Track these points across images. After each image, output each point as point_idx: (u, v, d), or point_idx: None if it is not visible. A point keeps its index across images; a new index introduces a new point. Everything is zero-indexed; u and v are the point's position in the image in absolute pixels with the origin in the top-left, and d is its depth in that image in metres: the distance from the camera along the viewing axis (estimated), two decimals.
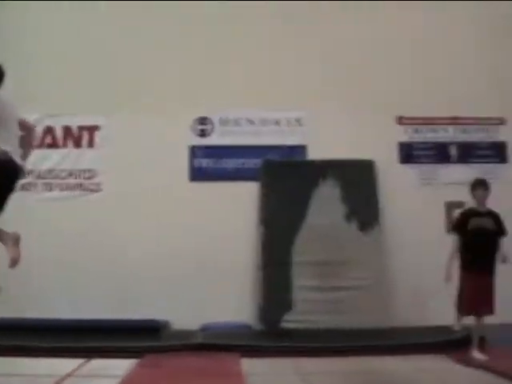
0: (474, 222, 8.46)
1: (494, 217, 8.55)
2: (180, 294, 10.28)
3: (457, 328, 8.57)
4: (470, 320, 8.41)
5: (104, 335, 8.85)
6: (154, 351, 8.13)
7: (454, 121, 11.43)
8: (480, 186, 8.68)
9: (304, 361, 7.96)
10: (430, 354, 8.36)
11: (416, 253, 10.72)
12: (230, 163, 10.91)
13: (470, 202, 10.15)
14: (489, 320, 8.98)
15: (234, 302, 10.39)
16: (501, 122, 11.54)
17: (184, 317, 10.02)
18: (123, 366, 7.28)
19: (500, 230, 8.49)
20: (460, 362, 7.89)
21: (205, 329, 9.76)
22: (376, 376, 7.25)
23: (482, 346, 8.25)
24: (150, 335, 9.06)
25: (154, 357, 7.83)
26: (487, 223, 8.45)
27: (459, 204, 10.88)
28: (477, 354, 7.99)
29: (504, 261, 8.29)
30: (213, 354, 8.08)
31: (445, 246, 10.63)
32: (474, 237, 8.39)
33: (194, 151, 10.91)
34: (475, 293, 8.13)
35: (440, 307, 10.42)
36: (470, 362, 7.79)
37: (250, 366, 7.61)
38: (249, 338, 9.23)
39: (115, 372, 7.00)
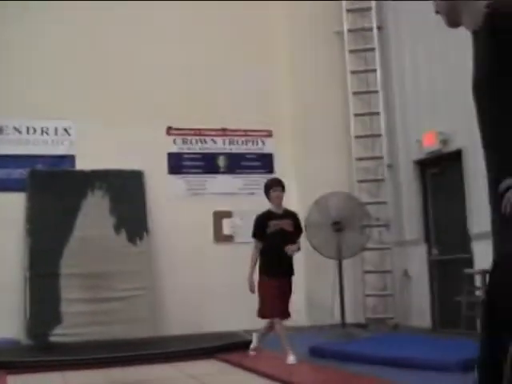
0: (272, 225, 8.09)
1: (291, 217, 8.30)
2: None
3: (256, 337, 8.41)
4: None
5: None
6: None
7: (223, 132, 11.66)
8: (275, 186, 8.34)
9: (73, 374, 7.78)
10: (202, 360, 8.46)
11: (186, 262, 10.88)
12: None
13: (236, 211, 10.51)
14: (257, 325, 9.28)
15: (0, 316, 10.02)
16: (268, 134, 11.90)
17: None
18: None
19: (298, 230, 8.29)
20: (231, 366, 8.04)
21: None
22: None
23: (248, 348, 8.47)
24: None
25: None
26: (285, 225, 8.12)
27: (227, 213, 11.18)
28: (290, 358, 7.69)
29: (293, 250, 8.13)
30: None
31: (214, 255, 10.96)
32: (273, 240, 8.02)
33: None
34: (277, 297, 7.89)
35: (210, 315, 10.69)
36: (239, 365, 7.95)
37: (15, 383, 7.37)
38: (15, 353, 8.89)
39: None
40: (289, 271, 8.15)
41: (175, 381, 7.45)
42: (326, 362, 7.88)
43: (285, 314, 8.06)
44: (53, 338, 9.71)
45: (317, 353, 8.40)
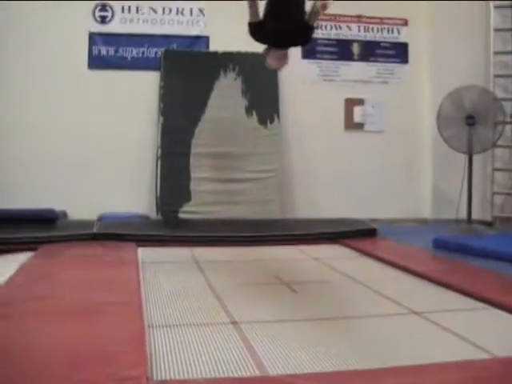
0: None
1: None
2: (78, 183, 10.22)
3: None
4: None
5: None
6: (49, 241, 7.91)
7: (358, 19, 11.43)
8: None
9: (200, 249, 8.05)
10: (326, 244, 8.67)
11: (314, 148, 10.91)
12: (131, 52, 10.66)
13: (368, 99, 10.37)
14: (382, 215, 9.30)
15: (132, 193, 10.42)
16: (404, 23, 11.60)
17: (82, 207, 9.99)
18: (19, 257, 7.15)
19: None
20: (355, 251, 8.21)
21: (102, 219, 9.69)
22: (269, 262, 7.42)
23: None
24: (46, 225, 8.82)
25: (50, 247, 7.69)
26: None
27: (359, 101, 11.07)
28: None
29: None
30: (109, 243, 8.01)
31: (343, 142, 10.96)
32: None
33: (94, 38, 10.56)
34: None
35: (335, 201, 10.76)
36: (360, 250, 8.09)
37: (146, 254, 7.66)
38: (145, 227, 9.19)
39: (11, 264, 6.80)
40: None
41: (298, 262, 7.59)
42: (449, 254, 7.91)
43: None
44: (181, 215, 9.96)
45: (440, 245, 8.41)
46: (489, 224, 10.94)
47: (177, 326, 4.57)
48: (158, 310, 4.99)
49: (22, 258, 7.06)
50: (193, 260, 7.42)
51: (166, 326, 4.55)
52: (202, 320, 4.73)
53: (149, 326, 4.51)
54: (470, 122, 10.05)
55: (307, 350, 4.05)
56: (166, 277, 6.41)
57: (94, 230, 8.49)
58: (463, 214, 10.23)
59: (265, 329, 4.52)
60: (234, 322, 4.67)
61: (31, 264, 6.73)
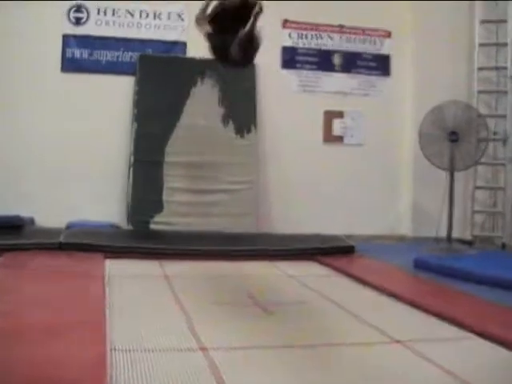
0: None
1: None
2: (47, 190, 9.90)
3: None
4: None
5: None
6: (13, 249, 7.61)
7: (340, 29, 11.22)
8: None
9: (169, 263, 7.80)
10: (302, 261, 8.47)
11: (292, 160, 10.70)
12: (106, 55, 10.37)
13: (348, 111, 10.15)
14: (359, 231, 9.08)
15: (103, 201, 10.09)
16: (387, 34, 11.41)
17: (51, 214, 9.66)
18: None
19: None
20: (331, 269, 8.01)
21: (70, 227, 9.38)
22: (242, 279, 7.20)
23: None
24: (12, 232, 8.54)
25: (13, 256, 7.36)
26: None
27: (338, 113, 10.88)
28: None
29: None
30: (76, 253, 7.72)
31: (322, 155, 10.76)
32: None
33: (67, 40, 10.25)
34: None
35: (311, 215, 10.55)
36: (338, 269, 7.89)
37: (113, 267, 7.37)
38: (114, 238, 8.86)
39: None
40: None
41: (273, 279, 7.36)
42: (430, 274, 7.73)
43: None
44: (153, 226, 9.70)
45: (421, 265, 8.22)
46: (469, 243, 10.76)
47: (142, 350, 4.27)
48: (122, 332, 4.68)
49: None
50: (162, 275, 7.16)
51: (130, 351, 4.25)
52: (169, 344, 4.44)
53: (111, 350, 4.21)
54: (452, 138, 9.84)
55: (283, 380, 3.78)
56: (134, 293, 6.13)
57: (61, 239, 8.17)
58: (442, 232, 10.02)
59: (236, 356, 4.26)
60: (203, 348, 4.38)
61: None
